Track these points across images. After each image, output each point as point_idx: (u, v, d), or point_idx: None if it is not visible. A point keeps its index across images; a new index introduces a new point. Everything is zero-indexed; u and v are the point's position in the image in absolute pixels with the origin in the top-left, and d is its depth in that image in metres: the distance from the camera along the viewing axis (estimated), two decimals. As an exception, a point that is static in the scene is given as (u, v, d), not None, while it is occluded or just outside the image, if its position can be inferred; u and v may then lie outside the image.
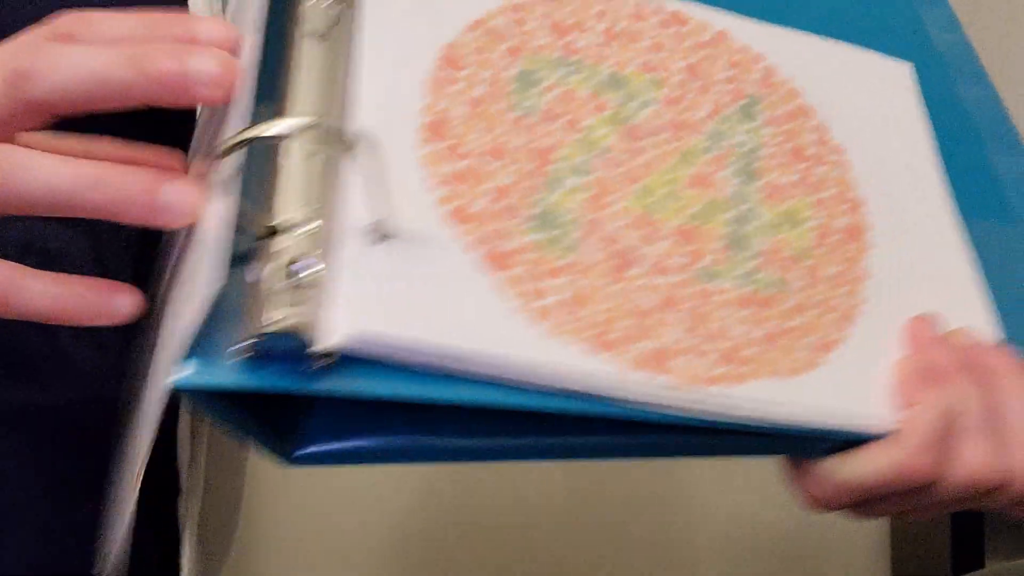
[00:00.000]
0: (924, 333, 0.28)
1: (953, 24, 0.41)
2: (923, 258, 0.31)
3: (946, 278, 0.30)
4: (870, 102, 0.34)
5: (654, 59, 0.31)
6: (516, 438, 0.26)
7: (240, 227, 0.22)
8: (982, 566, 1.21)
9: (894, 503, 0.27)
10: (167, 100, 0.22)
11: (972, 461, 0.25)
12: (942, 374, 0.26)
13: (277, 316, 0.20)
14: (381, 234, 0.22)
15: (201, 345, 0.20)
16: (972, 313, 0.30)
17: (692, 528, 1.50)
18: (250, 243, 0.22)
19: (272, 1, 0.26)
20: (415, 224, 0.23)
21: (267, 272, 0.21)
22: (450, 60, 0.28)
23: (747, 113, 0.31)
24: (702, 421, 0.24)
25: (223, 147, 0.21)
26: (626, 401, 0.24)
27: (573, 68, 0.30)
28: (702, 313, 0.26)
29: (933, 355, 0.27)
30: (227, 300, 0.21)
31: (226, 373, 0.20)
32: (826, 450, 0.27)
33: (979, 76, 0.39)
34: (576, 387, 0.23)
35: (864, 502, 0.27)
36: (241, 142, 0.21)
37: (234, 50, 0.23)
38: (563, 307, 0.24)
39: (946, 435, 0.25)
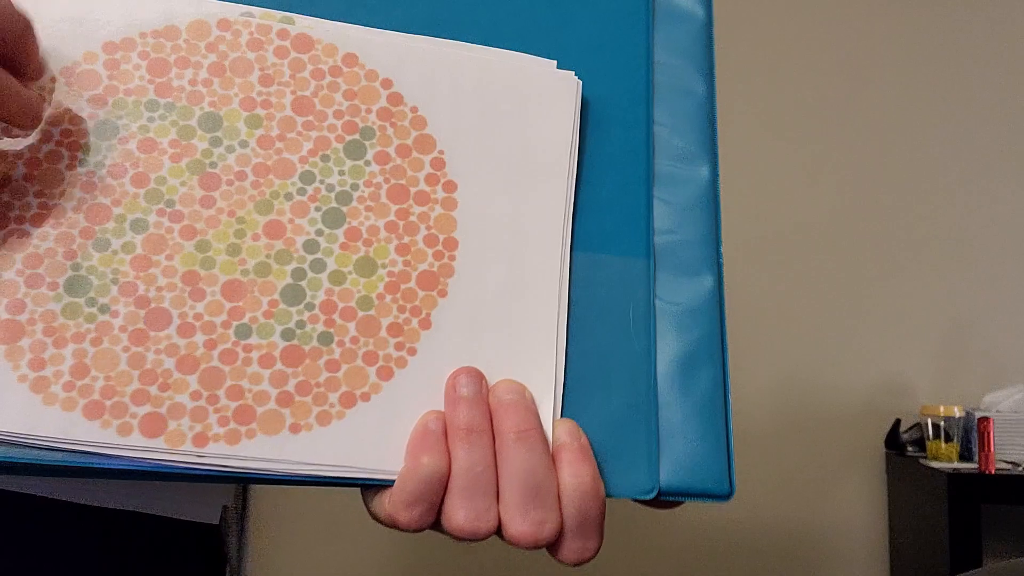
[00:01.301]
0: (455, 389, 0.29)
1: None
2: (500, 309, 0.31)
3: (518, 332, 0.31)
4: (506, 126, 0.33)
5: (259, 94, 0.32)
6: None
7: None
8: (980, 565, 1.20)
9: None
10: None
11: (454, 519, 0.27)
12: (448, 434, 0.28)
13: None
14: None
15: None
16: (533, 369, 0.30)
17: (693, 528, 1.54)
18: None
19: None
20: None
21: None
22: None
23: (354, 150, 0.32)
24: (204, 471, 0.28)
25: None
26: (122, 459, 0.27)
27: (162, 111, 0.31)
28: (220, 373, 0.28)
29: (452, 413, 0.29)
30: None
31: None
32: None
33: (703, 73, 0.37)
34: (70, 449, 0.27)
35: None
36: None
37: None
38: (61, 376, 0.27)
39: (429, 494, 0.27)
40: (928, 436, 1.47)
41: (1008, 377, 1.59)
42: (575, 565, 0.28)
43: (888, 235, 1.68)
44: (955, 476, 1.32)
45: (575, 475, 0.28)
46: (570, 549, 0.28)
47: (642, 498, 0.30)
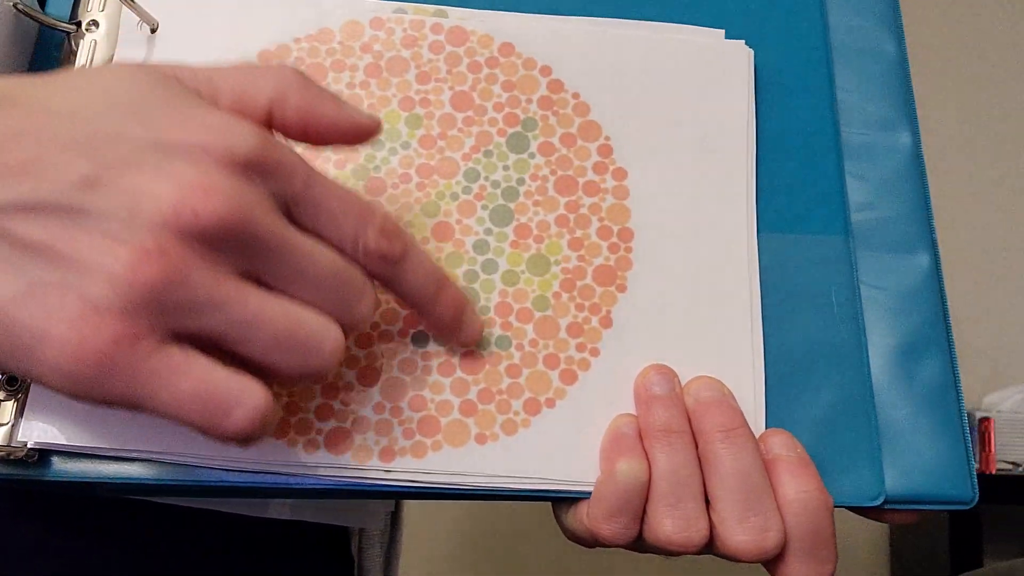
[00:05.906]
0: (646, 389, 0.27)
1: None
2: (685, 302, 0.28)
3: (708, 326, 0.28)
4: (675, 105, 0.31)
5: (417, 92, 0.30)
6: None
7: None
8: (980, 565, 1.13)
9: (627, 547, 0.27)
10: None
11: (660, 529, 0.25)
12: (644, 437, 0.26)
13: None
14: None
15: None
16: (729, 366, 0.28)
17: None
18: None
19: None
20: None
21: (-6, 381, 0.26)
22: None
23: (516, 143, 0.30)
24: (393, 488, 0.27)
25: None
26: (310, 478, 0.26)
27: None
28: (402, 383, 0.27)
29: (646, 414, 0.26)
30: None
31: None
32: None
33: (890, 30, 0.33)
34: (253, 468, 0.26)
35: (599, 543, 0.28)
36: None
37: None
38: None
39: (630, 504, 0.25)
40: (930, 436, 1.39)
41: (1008, 377, 1.49)
42: None
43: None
44: (956, 476, 1.26)
45: (800, 489, 0.25)
46: (803, 573, 0.25)
47: (866, 505, 0.27)
